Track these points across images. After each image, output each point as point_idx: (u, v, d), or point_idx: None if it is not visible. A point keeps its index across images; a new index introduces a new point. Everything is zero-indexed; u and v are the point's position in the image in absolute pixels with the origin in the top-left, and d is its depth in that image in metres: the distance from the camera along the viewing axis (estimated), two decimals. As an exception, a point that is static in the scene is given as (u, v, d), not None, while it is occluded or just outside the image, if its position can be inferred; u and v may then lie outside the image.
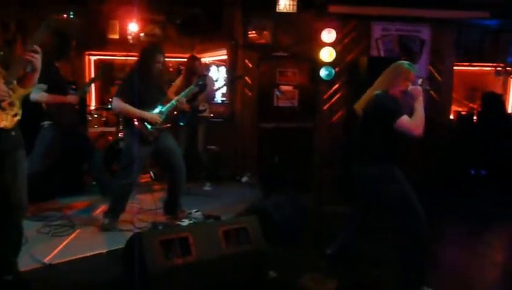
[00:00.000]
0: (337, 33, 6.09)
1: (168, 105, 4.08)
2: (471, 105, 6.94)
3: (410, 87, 2.99)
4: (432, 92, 6.21)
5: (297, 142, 6.13)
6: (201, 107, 5.40)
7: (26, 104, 2.66)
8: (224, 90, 6.62)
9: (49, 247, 3.43)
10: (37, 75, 2.64)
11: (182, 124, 5.21)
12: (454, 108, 6.78)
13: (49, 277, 2.97)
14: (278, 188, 4.63)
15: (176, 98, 4.18)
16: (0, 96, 2.41)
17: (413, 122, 2.86)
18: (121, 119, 5.76)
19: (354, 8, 6.05)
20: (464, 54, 6.64)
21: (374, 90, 3.07)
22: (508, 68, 6.84)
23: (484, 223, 4.90)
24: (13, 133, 2.55)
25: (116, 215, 3.99)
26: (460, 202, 5.46)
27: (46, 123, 4.34)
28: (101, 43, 6.82)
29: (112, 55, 7.04)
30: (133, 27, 6.53)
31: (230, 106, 6.57)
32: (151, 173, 6.00)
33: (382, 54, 6.26)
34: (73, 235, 3.75)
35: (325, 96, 6.37)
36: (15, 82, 2.53)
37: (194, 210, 4.29)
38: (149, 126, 3.91)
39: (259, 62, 6.21)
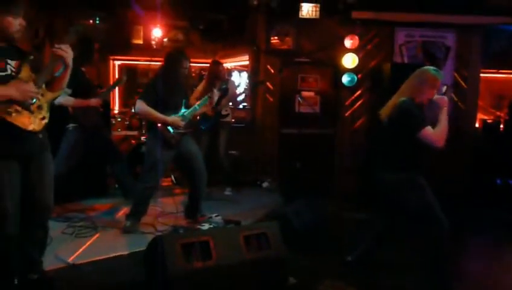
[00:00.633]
0: (360, 39, 6.08)
1: (191, 109, 4.11)
2: (497, 113, 6.78)
3: (436, 96, 2.94)
4: (456, 100, 6.12)
5: (318, 148, 6.10)
6: (223, 112, 5.43)
7: (52, 107, 2.72)
8: (245, 95, 6.64)
9: (73, 247, 3.49)
10: (68, 74, 2.70)
11: (203, 128, 5.26)
12: (480, 116, 6.64)
13: (73, 276, 3.02)
14: (299, 194, 4.61)
15: (199, 102, 4.21)
16: (31, 98, 2.47)
17: (436, 134, 2.83)
18: (143, 123, 5.85)
19: (378, 14, 6.01)
20: (491, 60, 6.50)
21: (399, 97, 3.02)
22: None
23: (510, 234, 4.77)
24: (40, 136, 2.61)
25: (138, 218, 4.04)
26: (486, 212, 5.33)
27: (71, 126, 4.44)
28: (125, 48, 6.95)
29: (136, 60, 7.16)
30: (157, 33, 6.63)
31: (252, 112, 6.59)
32: (172, 177, 6.05)
33: (406, 60, 6.20)
34: (95, 237, 3.81)
35: (347, 103, 6.34)
36: (44, 86, 2.59)
37: (215, 215, 4.31)
38: (172, 130, 3.95)
39: (281, 68, 6.21)
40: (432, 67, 3.08)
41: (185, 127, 4.04)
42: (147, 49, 6.67)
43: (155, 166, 3.91)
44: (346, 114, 6.36)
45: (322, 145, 6.19)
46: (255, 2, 6.03)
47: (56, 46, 2.55)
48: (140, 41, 6.92)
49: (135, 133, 6.26)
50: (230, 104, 5.63)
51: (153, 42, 6.65)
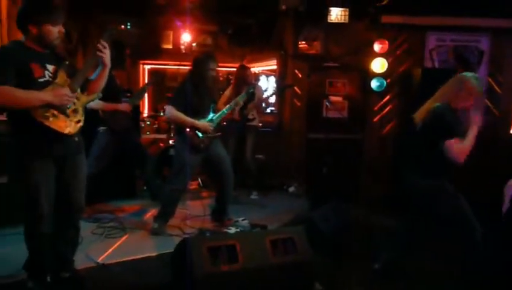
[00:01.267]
0: (389, 44, 5.99)
1: (219, 113, 4.15)
2: (533, 119, 6.56)
3: (473, 112, 2.88)
4: (491, 106, 5.96)
5: (346, 153, 6.03)
6: (250, 116, 5.45)
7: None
8: (273, 100, 6.65)
9: (102, 248, 3.56)
10: (106, 74, 2.77)
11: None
12: (514, 123, 6.44)
13: (102, 276, 3.08)
14: (325, 199, 4.57)
15: (228, 106, 4.23)
16: (67, 102, 2.54)
17: (459, 148, 2.77)
18: (172, 127, 5.93)
19: (408, 18, 5.92)
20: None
21: (434, 101, 2.97)
22: None
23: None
24: (76, 139, 2.69)
25: (166, 220, 4.08)
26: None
27: (101, 129, 4.55)
28: (155, 52, 7.08)
29: (165, 64, 7.28)
30: (186, 37, 6.73)
31: (279, 116, 6.59)
32: (200, 180, 6.11)
33: (436, 65, 6.07)
34: (124, 238, 3.87)
35: (375, 108, 6.26)
36: (79, 90, 2.67)
37: (241, 218, 4.32)
38: (200, 134, 3.99)
39: (309, 72, 6.19)
40: (472, 74, 3.00)
41: (213, 131, 4.07)
42: (176, 54, 6.78)
43: (183, 169, 3.95)
44: (375, 119, 6.27)
45: (350, 150, 6.11)
46: (284, 7, 6.04)
47: (97, 43, 2.62)
48: (170, 46, 7.05)
49: (164, 136, 6.35)
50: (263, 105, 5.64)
51: (182, 47, 6.76)
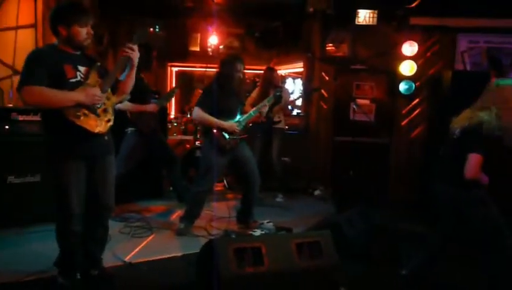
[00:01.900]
0: (418, 46, 5.89)
1: (246, 115, 4.15)
2: None
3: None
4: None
5: (373, 157, 5.95)
6: (276, 119, 5.44)
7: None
8: (299, 102, 6.63)
9: (129, 247, 3.61)
10: (133, 75, 2.83)
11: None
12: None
13: (129, 275, 3.12)
14: (351, 203, 4.51)
15: (255, 108, 4.23)
16: (98, 102, 2.60)
17: (478, 167, 2.72)
18: (199, 128, 5.98)
19: (438, 19, 5.81)
20: None
21: (477, 110, 2.88)
22: None
23: None
24: (106, 138, 2.74)
25: (191, 221, 4.12)
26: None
27: (129, 129, 4.62)
28: (183, 55, 7.17)
29: (192, 66, 7.36)
30: (213, 40, 6.78)
31: (306, 119, 6.56)
32: (225, 182, 6.14)
33: (468, 67, 5.92)
34: (150, 237, 3.92)
35: (403, 112, 6.16)
36: (109, 90, 2.72)
37: (266, 221, 4.31)
38: (227, 136, 4.01)
39: (336, 75, 6.14)
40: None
41: (240, 133, 4.08)
42: (203, 56, 6.84)
43: (209, 170, 3.98)
44: (403, 123, 6.17)
45: (377, 154, 6.03)
46: (311, 9, 6.02)
47: (126, 45, 2.68)
48: (197, 49, 7.13)
49: (190, 137, 6.41)
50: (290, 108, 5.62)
51: (209, 49, 6.81)
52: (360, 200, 4.63)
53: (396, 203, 5.73)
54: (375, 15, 5.75)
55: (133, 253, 3.48)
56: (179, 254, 3.56)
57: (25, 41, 4.85)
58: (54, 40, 2.66)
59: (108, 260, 3.16)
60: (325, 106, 6.34)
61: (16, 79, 4.12)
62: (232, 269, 2.60)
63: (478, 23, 5.76)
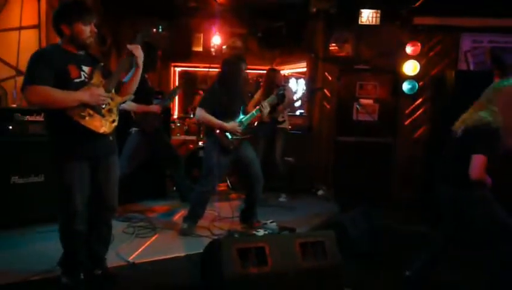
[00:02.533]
0: (422, 46, 5.88)
1: (249, 115, 4.14)
2: None
3: None
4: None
5: (376, 157, 5.93)
6: (280, 119, 5.44)
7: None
8: (302, 102, 6.63)
9: (133, 247, 3.62)
10: (138, 75, 2.84)
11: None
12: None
13: (133, 274, 3.12)
14: (354, 203, 4.51)
15: (257, 108, 4.21)
16: (102, 102, 2.60)
17: (483, 168, 2.69)
18: (201, 128, 5.98)
19: (442, 19, 5.80)
20: None
21: (478, 110, 2.84)
22: None
23: None
24: (111, 138, 2.74)
25: (195, 221, 4.12)
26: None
27: (133, 130, 4.62)
28: (186, 55, 7.17)
29: (195, 66, 7.36)
30: (216, 40, 6.79)
31: (309, 119, 6.55)
32: (228, 182, 6.14)
33: (472, 67, 5.91)
34: (154, 238, 3.92)
35: (406, 111, 6.15)
36: (113, 90, 2.72)
37: (270, 221, 4.31)
38: (230, 136, 4.01)
39: (339, 75, 6.13)
40: None
41: (243, 133, 4.08)
42: (206, 56, 6.84)
43: (212, 171, 3.97)
44: (406, 123, 6.16)
45: (380, 154, 6.01)
46: (314, 9, 6.01)
47: (129, 46, 2.69)
48: (200, 49, 7.13)
49: (193, 138, 6.42)
50: (289, 109, 5.63)
51: (212, 49, 6.82)
52: (363, 200, 4.62)
53: (399, 203, 5.72)
54: (379, 15, 5.74)
55: (136, 253, 3.48)
56: (183, 254, 3.56)
57: (29, 42, 4.86)
58: (58, 41, 2.66)
59: (112, 259, 3.16)
60: (328, 106, 6.33)
61: (20, 79, 4.15)
62: (235, 269, 2.60)
63: (482, 22, 5.74)
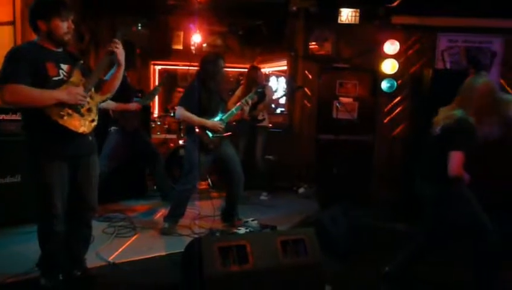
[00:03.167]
0: (400, 45, 5.97)
1: (228, 113, 4.14)
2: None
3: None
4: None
5: (355, 155, 6.01)
6: (260, 117, 5.45)
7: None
8: (283, 100, 6.65)
9: (113, 247, 3.58)
10: (121, 73, 2.81)
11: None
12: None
13: (113, 275, 3.09)
14: (335, 201, 4.56)
15: (237, 105, 4.21)
16: (81, 101, 2.56)
17: (461, 165, 2.75)
18: (182, 127, 5.95)
19: (419, 18, 5.89)
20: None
21: (456, 108, 2.90)
22: None
23: None
24: (90, 138, 2.71)
25: (176, 220, 4.10)
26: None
27: (112, 128, 4.58)
28: (166, 53, 7.12)
29: (175, 65, 7.31)
30: (196, 38, 6.75)
31: (289, 117, 6.58)
32: (209, 180, 6.12)
33: (448, 66, 6.03)
34: (134, 237, 3.88)
35: (385, 109, 6.24)
36: (93, 89, 2.68)
37: (251, 219, 4.31)
38: (210, 134, 4.00)
39: (320, 73, 6.18)
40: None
41: (223, 131, 4.08)
42: (186, 54, 6.80)
43: (193, 169, 3.96)
44: (385, 121, 6.25)
45: (360, 152, 6.08)
46: (294, 8, 6.05)
47: (111, 42, 2.65)
48: (180, 47, 7.09)
49: (174, 136, 6.38)
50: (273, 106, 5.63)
51: (193, 47, 6.78)
52: (343, 198, 4.68)
53: (379, 200, 5.80)
54: (358, 14, 5.81)
55: (116, 253, 3.45)
56: (164, 254, 3.53)
57: (3, 39, 4.74)
58: (34, 38, 2.60)
59: (92, 260, 3.13)
60: (308, 104, 6.37)
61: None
62: (217, 268, 2.60)
63: (457, 22, 5.86)
